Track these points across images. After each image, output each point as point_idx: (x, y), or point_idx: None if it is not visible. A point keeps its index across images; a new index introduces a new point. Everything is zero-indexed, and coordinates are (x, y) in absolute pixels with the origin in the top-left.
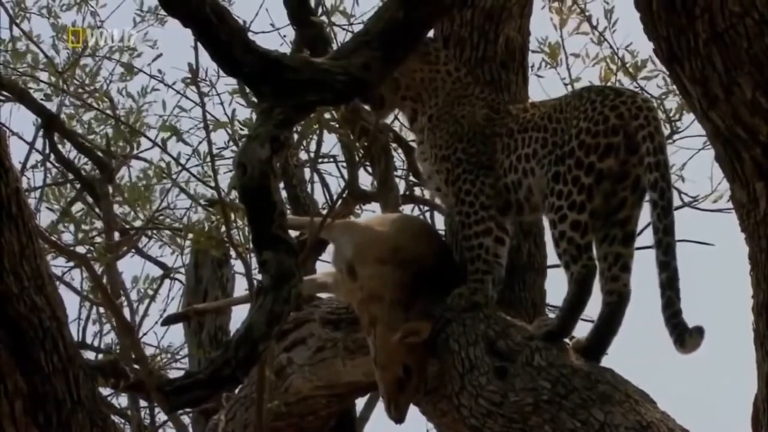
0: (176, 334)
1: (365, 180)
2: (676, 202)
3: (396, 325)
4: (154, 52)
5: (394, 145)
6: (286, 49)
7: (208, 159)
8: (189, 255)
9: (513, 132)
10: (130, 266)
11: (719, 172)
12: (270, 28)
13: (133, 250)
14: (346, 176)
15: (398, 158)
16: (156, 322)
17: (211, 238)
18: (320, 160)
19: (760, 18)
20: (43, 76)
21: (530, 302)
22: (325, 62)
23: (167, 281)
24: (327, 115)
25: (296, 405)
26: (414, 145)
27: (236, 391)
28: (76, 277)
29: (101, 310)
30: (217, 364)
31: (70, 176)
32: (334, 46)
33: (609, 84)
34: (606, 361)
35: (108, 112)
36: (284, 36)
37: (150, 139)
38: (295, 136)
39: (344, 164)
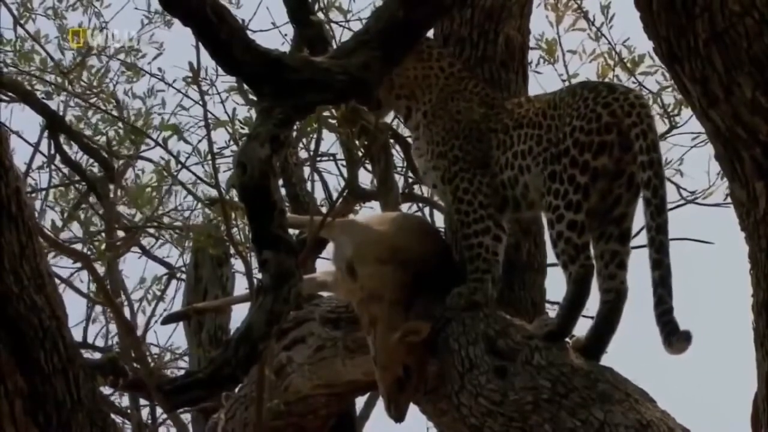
0: (178, 334)
1: (365, 179)
2: (676, 197)
3: (396, 325)
4: (159, 53)
5: (392, 141)
6: (286, 48)
7: (209, 158)
8: (190, 254)
9: (508, 128)
10: (136, 266)
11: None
12: (270, 27)
13: (139, 250)
14: (345, 175)
15: (397, 156)
16: (155, 321)
17: (210, 237)
18: (320, 159)
19: (760, 17)
20: (49, 77)
21: (530, 301)
22: (325, 62)
23: (174, 281)
24: (326, 114)
25: (296, 404)
26: (411, 141)
27: (236, 390)
28: (83, 279)
29: (106, 309)
30: (217, 363)
31: (75, 177)
32: (334, 46)
33: (606, 80)
34: (606, 360)
35: (113, 113)
36: (285, 35)
37: (151, 138)
38: (295, 135)
39: (344, 163)
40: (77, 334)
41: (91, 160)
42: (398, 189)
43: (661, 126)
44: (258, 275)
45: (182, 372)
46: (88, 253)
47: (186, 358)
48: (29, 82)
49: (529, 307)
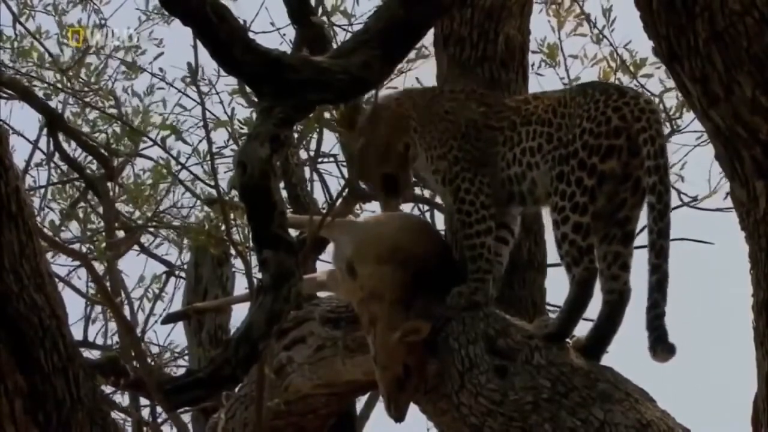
0: (178, 333)
1: None
2: (676, 201)
3: (396, 324)
4: (159, 51)
5: None
6: (287, 48)
7: (208, 158)
8: (189, 253)
9: (515, 125)
10: (135, 264)
11: (717, 170)
12: (270, 27)
13: (139, 249)
14: (346, 175)
15: None
16: (156, 321)
17: (210, 237)
18: (320, 159)
19: (760, 17)
20: (48, 74)
21: (530, 301)
22: (325, 61)
23: (173, 279)
24: (327, 114)
25: (296, 403)
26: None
27: (236, 389)
28: (82, 276)
29: (105, 308)
30: (217, 362)
31: (74, 175)
32: (334, 46)
33: (610, 82)
34: (606, 360)
35: (112, 110)
36: (284, 35)
37: (150, 138)
38: (296, 135)
39: (344, 163)
40: (77, 333)
41: (90, 158)
42: None
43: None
44: (258, 275)
45: (182, 371)
46: (87, 252)
47: (186, 358)
48: (28, 80)
49: (529, 306)
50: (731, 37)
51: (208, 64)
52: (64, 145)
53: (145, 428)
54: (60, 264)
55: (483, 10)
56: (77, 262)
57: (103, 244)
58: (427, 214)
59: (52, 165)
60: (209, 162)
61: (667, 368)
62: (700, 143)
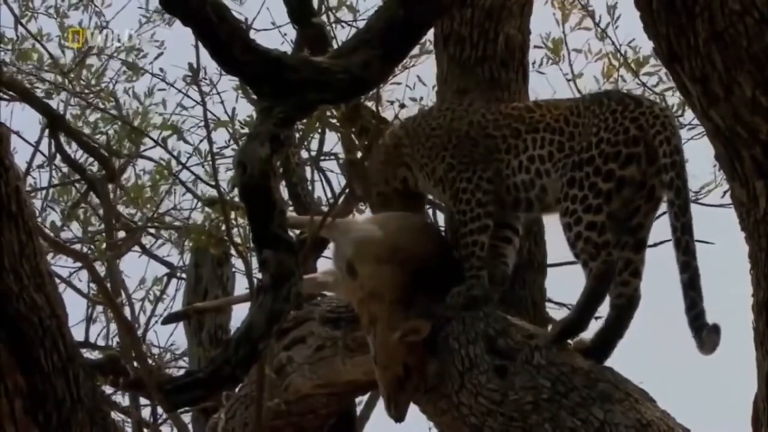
0: (179, 333)
1: None
2: None
3: (396, 324)
4: (160, 52)
5: None
6: (287, 48)
7: (209, 158)
8: (189, 254)
9: (520, 132)
10: (136, 265)
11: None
12: (270, 27)
13: (140, 250)
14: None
15: None
16: (156, 321)
17: (211, 237)
18: (322, 159)
19: (760, 17)
20: (49, 76)
21: (530, 301)
22: (325, 61)
23: (174, 280)
24: (328, 114)
25: (296, 403)
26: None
27: (236, 389)
28: (83, 278)
29: (106, 309)
30: (217, 362)
31: (76, 176)
32: (335, 45)
33: (610, 80)
34: (606, 360)
35: (113, 112)
36: (285, 34)
37: (151, 138)
38: (297, 135)
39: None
40: (79, 334)
41: (91, 159)
42: None
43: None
44: (258, 275)
45: (182, 371)
46: (88, 252)
47: (185, 359)
48: (29, 81)
49: (529, 306)
50: (731, 37)
51: (210, 64)
52: (65, 147)
53: (145, 429)
54: (61, 265)
55: (483, 10)
56: (78, 264)
57: (104, 245)
58: (428, 214)
59: (53, 166)
60: (210, 162)
61: (667, 368)
62: (694, 137)
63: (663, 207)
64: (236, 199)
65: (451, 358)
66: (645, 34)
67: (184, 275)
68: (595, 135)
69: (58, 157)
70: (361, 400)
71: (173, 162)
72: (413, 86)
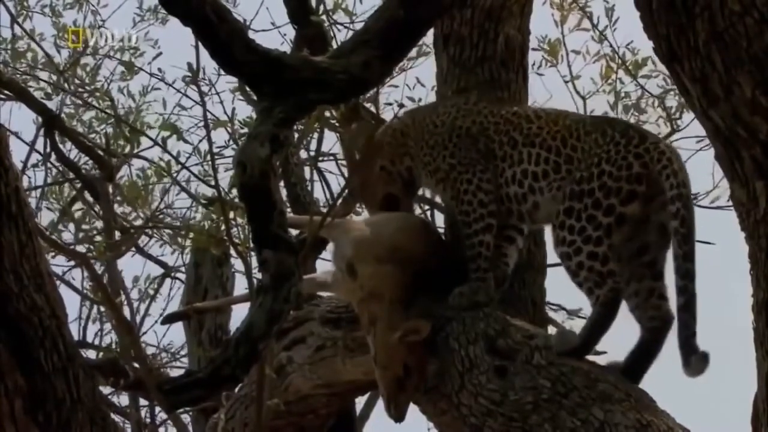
0: (177, 333)
1: None
2: None
3: (396, 324)
4: (156, 52)
5: None
6: (287, 48)
7: (209, 158)
8: (189, 254)
9: (516, 143)
10: (131, 265)
11: (719, 171)
12: (270, 27)
13: (134, 249)
14: (346, 175)
15: None
16: (156, 321)
17: (210, 237)
18: (321, 159)
19: (760, 17)
20: (44, 75)
21: (530, 301)
22: (325, 61)
23: (168, 280)
24: (327, 114)
25: (296, 404)
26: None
27: (236, 389)
28: (76, 276)
29: (102, 309)
30: (216, 363)
31: (71, 175)
32: (334, 45)
33: (608, 82)
34: (606, 360)
35: (108, 111)
36: (284, 35)
37: (150, 138)
38: (296, 135)
39: (344, 163)
40: (75, 333)
41: (85, 158)
42: None
43: (663, 129)
44: (258, 275)
45: (182, 372)
46: (86, 251)
47: (184, 359)
48: (24, 81)
49: (529, 306)
50: (731, 37)
51: (209, 63)
52: (61, 146)
53: (144, 431)
54: (56, 264)
55: (483, 10)
56: (72, 263)
57: (104, 245)
58: (427, 214)
59: (49, 165)
60: (210, 162)
61: (666, 368)
62: (703, 147)
63: None
64: (236, 199)
65: (451, 358)
66: (645, 34)
67: (178, 276)
68: (596, 166)
69: (54, 156)
70: (361, 400)
71: (173, 162)
72: (413, 87)
